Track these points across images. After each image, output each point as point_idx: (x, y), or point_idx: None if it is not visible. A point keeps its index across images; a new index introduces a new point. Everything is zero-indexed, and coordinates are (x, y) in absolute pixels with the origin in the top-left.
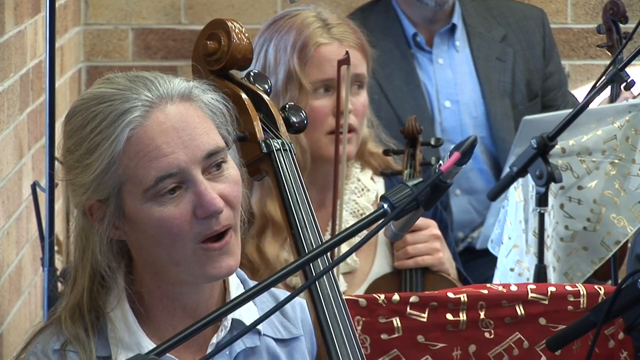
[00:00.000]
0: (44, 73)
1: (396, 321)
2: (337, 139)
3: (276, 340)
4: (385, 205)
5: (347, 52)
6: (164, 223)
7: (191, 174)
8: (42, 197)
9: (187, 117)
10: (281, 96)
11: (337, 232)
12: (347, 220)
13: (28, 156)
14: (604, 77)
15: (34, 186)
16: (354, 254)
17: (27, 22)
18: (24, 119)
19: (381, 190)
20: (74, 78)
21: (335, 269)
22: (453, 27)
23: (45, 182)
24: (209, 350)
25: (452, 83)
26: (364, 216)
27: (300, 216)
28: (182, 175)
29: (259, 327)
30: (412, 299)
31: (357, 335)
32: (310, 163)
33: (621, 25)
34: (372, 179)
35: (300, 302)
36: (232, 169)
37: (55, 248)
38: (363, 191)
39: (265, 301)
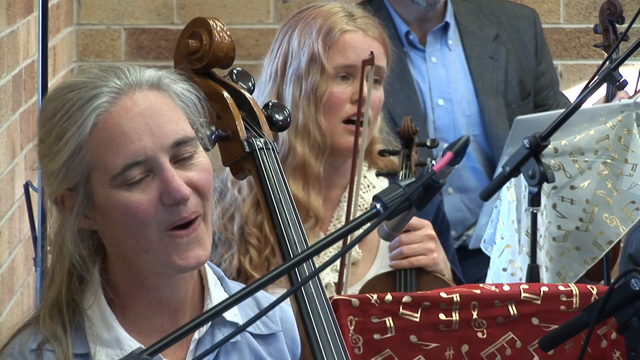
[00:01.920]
0: (37, 73)
1: (389, 321)
2: (356, 133)
3: (255, 335)
4: (378, 205)
5: (371, 53)
6: (130, 209)
7: (158, 161)
8: (35, 197)
9: (155, 105)
10: (303, 79)
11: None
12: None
13: (20, 156)
14: (596, 77)
15: (26, 186)
16: (357, 246)
17: (19, 22)
18: (17, 118)
19: None
20: (66, 78)
21: (345, 261)
22: (446, 26)
23: (37, 182)
24: (192, 346)
25: (445, 81)
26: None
27: (284, 215)
28: (149, 163)
29: (239, 322)
30: (405, 299)
31: (342, 335)
32: (329, 147)
33: (617, 25)
34: (377, 177)
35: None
36: (202, 157)
37: (48, 248)
38: (369, 187)
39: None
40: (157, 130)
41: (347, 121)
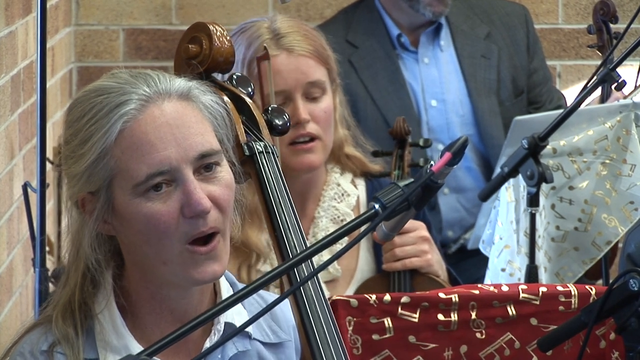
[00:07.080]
0: (35, 73)
1: (387, 321)
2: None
3: (265, 344)
4: (377, 206)
5: (265, 48)
6: (150, 219)
7: (181, 172)
8: (33, 198)
9: (182, 116)
10: None
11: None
12: (328, 227)
13: (19, 157)
14: (595, 78)
15: (25, 187)
16: (335, 262)
17: (18, 22)
18: (15, 119)
19: (362, 194)
20: (65, 78)
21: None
22: (438, 27)
23: (36, 183)
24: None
25: (438, 82)
26: (350, 220)
27: (284, 218)
28: (172, 173)
29: (249, 330)
30: (404, 299)
31: (341, 337)
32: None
33: (611, 25)
34: (352, 182)
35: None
36: (225, 172)
37: (47, 248)
38: (343, 196)
39: (254, 303)
40: (183, 141)
41: (293, 142)
